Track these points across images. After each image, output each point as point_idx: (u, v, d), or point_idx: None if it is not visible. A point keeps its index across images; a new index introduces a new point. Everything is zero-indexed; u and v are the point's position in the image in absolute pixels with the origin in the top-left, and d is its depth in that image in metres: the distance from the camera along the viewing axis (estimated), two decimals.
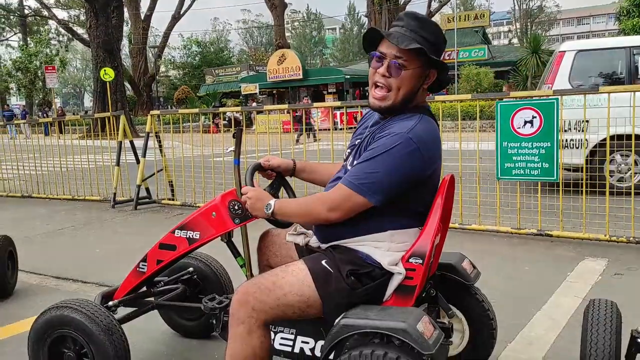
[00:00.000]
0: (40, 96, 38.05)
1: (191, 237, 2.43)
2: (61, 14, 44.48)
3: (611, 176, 6.31)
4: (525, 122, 4.86)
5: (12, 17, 48.22)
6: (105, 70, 20.69)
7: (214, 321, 2.56)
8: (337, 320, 1.94)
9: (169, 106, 42.69)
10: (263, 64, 35.80)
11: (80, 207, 7.78)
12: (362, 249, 2.03)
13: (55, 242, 5.78)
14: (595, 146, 6.23)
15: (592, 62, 7.13)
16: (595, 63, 7.15)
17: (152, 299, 2.89)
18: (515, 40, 58.79)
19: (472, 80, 25.34)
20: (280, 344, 2.32)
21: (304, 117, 13.87)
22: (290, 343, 2.31)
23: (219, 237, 2.45)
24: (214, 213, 2.37)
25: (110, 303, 2.64)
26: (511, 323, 3.12)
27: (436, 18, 41.60)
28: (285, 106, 8.77)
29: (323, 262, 2.02)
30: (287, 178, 2.52)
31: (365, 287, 2.00)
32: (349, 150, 2.19)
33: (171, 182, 7.60)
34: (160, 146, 7.53)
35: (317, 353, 2.23)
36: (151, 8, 37.86)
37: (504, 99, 5.38)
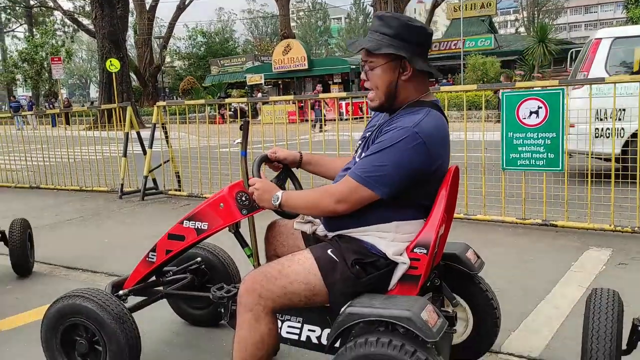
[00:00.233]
0: (47, 87, 38.13)
1: (199, 227, 2.47)
2: (66, 4, 44.70)
3: None
4: (531, 113, 4.87)
5: (17, 8, 48.27)
6: (111, 61, 20.69)
7: (222, 310, 2.60)
8: (342, 309, 1.97)
9: (174, 97, 42.74)
10: (268, 54, 35.72)
11: (88, 198, 7.85)
12: (368, 239, 2.06)
13: (65, 233, 5.85)
14: (632, 135, 6.14)
15: (629, 49, 6.96)
16: (632, 50, 6.95)
17: (161, 288, 2.93)
18: (522, 29, 58.40)
19: (478, 70, 25.24)
20: (287, 332, 2.36)
21: (322, 106, 13.88)
22: (297, 331, 2.35)
23: (227, 228, 2.49)
24: (221, 204, 2.40)
25: (121, 292, 2.69)
26: (515, 312, 3.16)
27: (442, 7, 41.40)
28: (291, 97, 8.79)
29: (329, 251, 2.06)
30: (294, 169, 2.56)
31: (370, 276, 2.03)
32: (359, 142, 2.23)
33: (178, 173, 7.65)
34: (166, 137, 7.58)
35: (324, 341, 2.27)
36: None
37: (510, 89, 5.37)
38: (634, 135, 6.04)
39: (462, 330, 2.56)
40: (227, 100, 8.86)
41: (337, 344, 2.06)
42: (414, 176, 1.98)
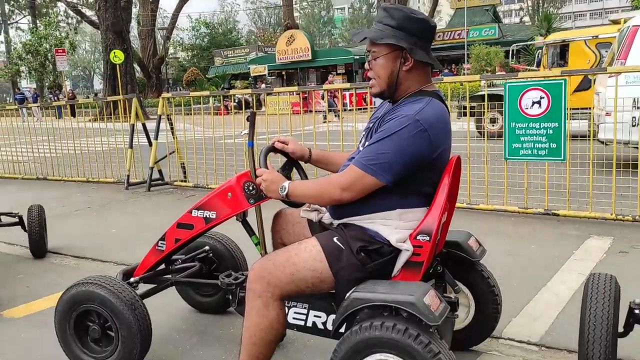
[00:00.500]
0: (51, 79, 38.19)
1: (208, 216, 2.53)
2: None
3: None
4: (533, 103, 4.91)
5: None
6: (115, 53, 20.76)
7: (230, 296, 2.68)
8: (348, 294, 2.04)
9: (178, 88, 42.76)
10: (272, 45, 35.68)
11: (94, 189, 7.94)
12: (372, 227, 2.12)
13: (73, 223, 5.93)
14: None
15: None
16: None
17: (170, 276, 3.01)
18: (526, 19, 58.08)
19: (482, 60, 25.18)
20: (294, 318, 2.43)
21: (335, 96, 13.92)
22: (304, 317, 2.42)
23: (234, 217, 2.55)
24: (229, 193, 2.46)
25: (132, 280, 2.77)
26: (516, 299, 3.23)
27: None
28: (295, 88, 8.83)
29: (334, 239, 2.13)
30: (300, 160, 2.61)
31: (375, 262, 2.10)
32: (363, 133, 2.29)
33: (183, 164, 7.72)
34: (172, 128, 7.65)
35: (329, 326, 2.34)
36: None
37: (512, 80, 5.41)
38: None
39: (464, 316, 2.63)
40: (232, 92, 8.91)
41: (342, 329, 2.12)
42: (416, 163, 2.03)
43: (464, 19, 30.70)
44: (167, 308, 3.36)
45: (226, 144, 7.35)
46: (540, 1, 56.95)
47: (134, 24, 38.31)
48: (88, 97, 39.65)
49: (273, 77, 31.68)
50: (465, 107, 5.80)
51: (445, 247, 2.47)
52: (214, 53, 40.12)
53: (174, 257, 3.00)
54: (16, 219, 4.82)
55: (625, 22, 8.12)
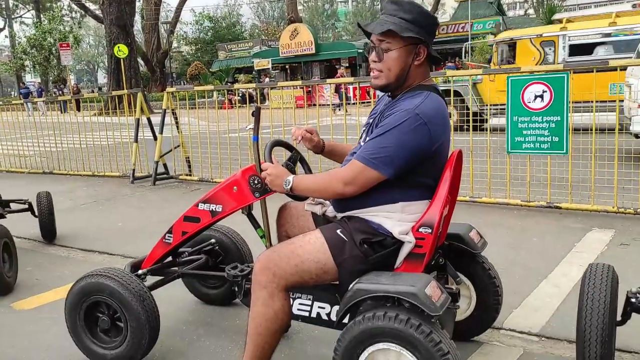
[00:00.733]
0: (55, 73, 38.28)
1: (214, 209, 2.58)
2: None
3: None
4: (536, 97, 4.94)
5: None
6: (119, 47, 20.75)
7: (236, 288, 2.73)
8: (351, 286, 2.09)
9: (182, 82, 42.77)
10: (275, 39, 35.63)
11: (100, 183, 8.01)
12: (375, 219, 2.17)
13: (79, 217, 6.00)
14: None
15: None
16: None
17: (177, 268, 3.06)
18: (531, 11, 57.72)
19: (486, 53, 25.09)
20: (298, 309, 2.48)
21: (344, 90, 13.96)
22: (308, 308, 2.46)
23: (240, 210, 2.60)
24: (235, 187, 2.51)
25: (140, 272, 2.83)
26: (517, 290, 3.28)
27: None
28: (299, 82, 8.85)
29: (338, 231, 2.18)
30: (304, 154, 2.65)
31: (378, 254, 2.14)
32: (364, 128, 2.33)
33: (188, 157, 7.78)
34: (176, 123, 7.69)
35: (333, 317, 2.39)
36: None
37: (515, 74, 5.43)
38: None
39: (466, 307, 2.67)
40: (236, 86, 8.94)
41: (345, 320, 2.18)
42: (416, 156, 2.08)
43: (468, 11, 30.58)
44: (174, 300, 3.42)
45: (230, 138, 7.40)
46: None
47: (137, 18, 38.31)
48: (93, 92, 39.70)
49: (277, 71, 31.66)
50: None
51: (447, 240, 2.52)
52: (217, 47, 40.08)
53: (181, 249, 3.05)
54: (26, 205, 5.08)
55: None
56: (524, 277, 3.54)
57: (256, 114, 2.51)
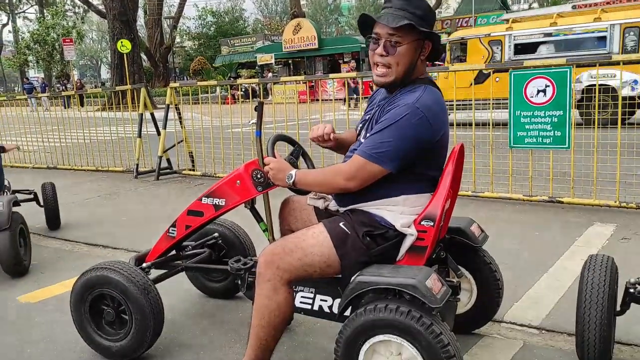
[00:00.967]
0: (59, 68, 38.35)
1: (217, 203, 2.61)
2: None
3: None
4: (538, 91, 4.95)
5: None
6: (122, 42, 20.80)
7: (240, 281, 2.75)
8: (353, 278, 2.11)
9: (185, 77, 42.81)
10: (278, 34, 35.59)
11: (104, 177, 8.04)
12: (377, 212, 2.19)
13: (83, 211, 6.03)
14: None
15: None
16: None
17: (180, 262, 3.09)
18: (535, 5, 57.50)
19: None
20: (301, 302, 2.51)
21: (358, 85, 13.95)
22: (310, 301, 2.50)
23: (243, 204, 2.62)
24: (238, 181, 2.53)
25: (144, 265, 2.85)
26: (518, 284, 3.30)
27: None
28: (302, 77, 8.85)
29: (341, 224, 2.20)
30: (307, 148, 2.67)
31: (380, 247, 2.17)
32: (360, 125, 2.35)
33: (191, 152, 7.81)
34: (180, 118, 7.72)
35: (335, 310, 2.42)
36: None
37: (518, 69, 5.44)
38: None
39: (467, 300, 2.70)
40: (239, 81, 8.97)
41: (347, 312, 2.19)
42: (418, 149, 2.10)
43: (471, 6, 30.49)
44: (177, 293, 3.45)
45: (234, 133, 7.42)
46: None
47: (140, 13, 38.31)
48: (96, 87, 39.79)
49: (280, 66, 31.62)
50: None
51: (449, 233, 2.54)
52: (220, 42, 40.05)
53: (185, 243, 3.08)
54: (31, 195, 5.25)
55: None
56: (525, 270, 3.56)
57: (259, 110, 2.53)
